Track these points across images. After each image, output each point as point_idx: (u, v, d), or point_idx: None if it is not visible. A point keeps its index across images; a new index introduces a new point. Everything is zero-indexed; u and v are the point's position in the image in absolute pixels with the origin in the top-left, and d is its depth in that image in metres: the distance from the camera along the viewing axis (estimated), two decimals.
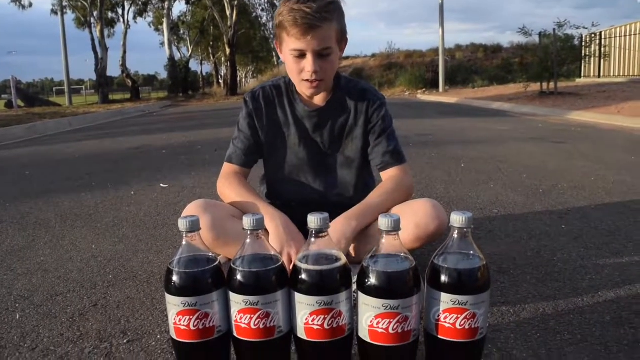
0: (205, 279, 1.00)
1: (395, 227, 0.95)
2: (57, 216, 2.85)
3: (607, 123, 6.92)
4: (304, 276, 0.97)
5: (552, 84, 11.22)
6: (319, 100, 1.64)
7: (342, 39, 1.54)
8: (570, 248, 2.03)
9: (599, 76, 15.33)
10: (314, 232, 0.98)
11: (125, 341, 1.42)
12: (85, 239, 2.40)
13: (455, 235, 0.99)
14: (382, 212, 1.40)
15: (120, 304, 1.66)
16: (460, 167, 3.90)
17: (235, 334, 1.02)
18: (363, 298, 0.97)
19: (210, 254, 1.04)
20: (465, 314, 0.96)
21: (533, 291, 1.64)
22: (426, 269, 1.03)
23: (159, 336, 1.43)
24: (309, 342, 1.00)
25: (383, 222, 0.95)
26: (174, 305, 1.00)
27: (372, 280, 0.95)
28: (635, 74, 14.59)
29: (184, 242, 1.01)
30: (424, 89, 18.64)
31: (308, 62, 1.46)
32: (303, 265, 0.98)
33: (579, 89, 11.66)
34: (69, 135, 8.02)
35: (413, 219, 1.46)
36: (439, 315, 0.98)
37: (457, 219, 0.97)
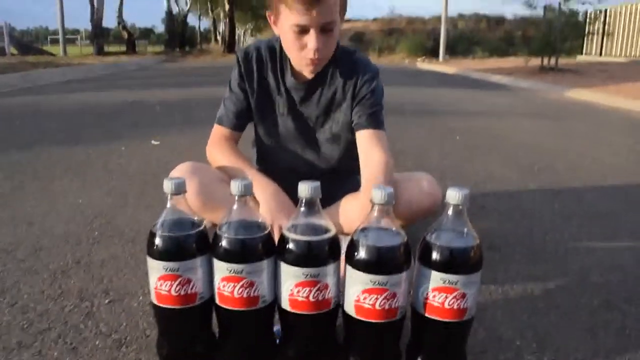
0: (189, 244, 0.96)
1: (389, 200, 0.92)
2: (46, 167, 2.81)
3: (605, 103, 6.86)
4: (291, 246, 0.94)
5: (553, 60, 11.09)
6: (309, 72, 1.53)
7: (344, 8, 1.41)
8: (562, 228, 2.02)
9: (601, 54, 15.16)
10: (304, 201, 0.95)
11: (106, 301, 1.39)
12: (72, 191, 2.36)
13: (450, 212, 0.95)
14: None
15: (104, 262, 1.64)
16: (455, 139, 3.86)
17: (217, 302, 0.99)
18: (351, 272, 0.94)
19: (195, 218, 1.00)
20: (455, 293, 0.93)
21: (522, 271, 1.62)
22: (417, 245, 1.00)
23: (141, 297, 1.41)
24: (293, 314, 0.97)
25: (376, 195, 0.92)
26: (156, 269, 0.97)
27: (361, 254, 0.92)
28: (638, 55, 14.44)
29: (168, 205, 0.97)
30: (424, 57, 18.44)
31: (311, 39, 1.34)
32: (291, 235, 0.95)
33: (579, 67, 11.54)
34: (62, 87, 7.88)
35: (406, 193, 1.42)
36: (427, 294, 0.96)
37: (453, 196, 0.94)
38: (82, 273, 1.56)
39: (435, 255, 0.94)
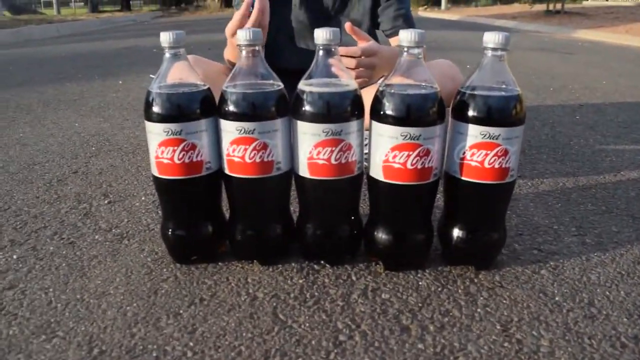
0: (193, 103, 0.85)
1: (420, 42, 0.79)
2: (40, 101, 2.67)
3: (614, 42, 6.64)
4: (308, 100, 0.82)
5: (558, 4, 10.78)
6: None
7: None
8: (587, 135, 1.90)
9: None
10: (321, 49, 0.83)
11: (106, 202, 1.29)
12: (68, 119, 2.24)
13: (488, 59, 0.83)
14: None
15: (103, 171, 1.53)
16: (466, 68, 3.70)
17: (226, 171, 0.88)
18: (378, 128, 0.83)
19: (198, 81, 0.88)
20: (496, 149, 0.82)
21: (551, 168, 1.52)
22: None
23: (143, 198, 1.31)
24: (313, 181, 0.86)
25: (405, 36, 0.79)
26: (155, 134, 0.85)
27: (389, 105, 0.80)
28: None
29: (167, 56, 0.85)
30: (426, 6, 17.98)
31: None
32: (307, 88, 0.83)
33: (586, 10, 11.24)
34: (55, 40, 7.65)
35: None
36: (464, 153, 0.84)
37: (492, 38, 0.82)
38: (79, 180, 1.45)
39: (473, 107, 0.82)
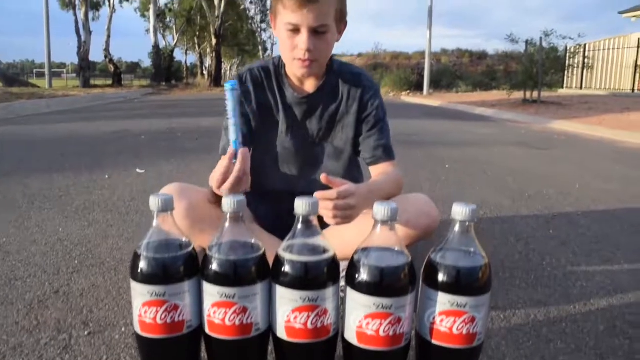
0: (177, 266, 0.89)
1: (392, 217, 0.86)
2: (25, 196, 2.71)
3: (588, 133, 6.92)
4: (287, 268, 0.87)
5: (535, 93, 11.24)
6: (309, 86, 1.53)
7: (342, 19, 1.43)
8: (559, 253, 1.97)
9: (581, 88, 15.46)
10: (300, 219, 0.88)
11: (86, 333, 1.30)
12: (52, 221, 2.27)
13: (457, 229, 0.90)
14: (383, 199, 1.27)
15: (84, 292, 1.55)
16: (445, 167, 3.83)
17: (207, 331, 0.91)
18: (352, 295, 0.87)
19: (183, 239, 0.93)
20: (464, 317, 0.87)
21: (523, 296, 1.56)
22: (422, 265, 0.93)
23: (123, 329, 1.32)
24: (290, 343, 0.90)
25: (379, 210, 0.86)
26: (140, 294, 0.89)
27: (363, 275, 0.86)
28: (616, 87, 14.78)
29: (154, 224, 0.90)
30: (409, 91, 18.65)
31: (302, 39, 1.34)
32: (287, 256, 0.88)
33: (561, 99, 11.72)
34: (45, 117, 7.79)
35: (404, 215, 1.36)
36: (434, 318, 0.89)
37: (460, 211, 0.88)
38: (60, 303, 1.46)
39: (441, 276, 0.87)
